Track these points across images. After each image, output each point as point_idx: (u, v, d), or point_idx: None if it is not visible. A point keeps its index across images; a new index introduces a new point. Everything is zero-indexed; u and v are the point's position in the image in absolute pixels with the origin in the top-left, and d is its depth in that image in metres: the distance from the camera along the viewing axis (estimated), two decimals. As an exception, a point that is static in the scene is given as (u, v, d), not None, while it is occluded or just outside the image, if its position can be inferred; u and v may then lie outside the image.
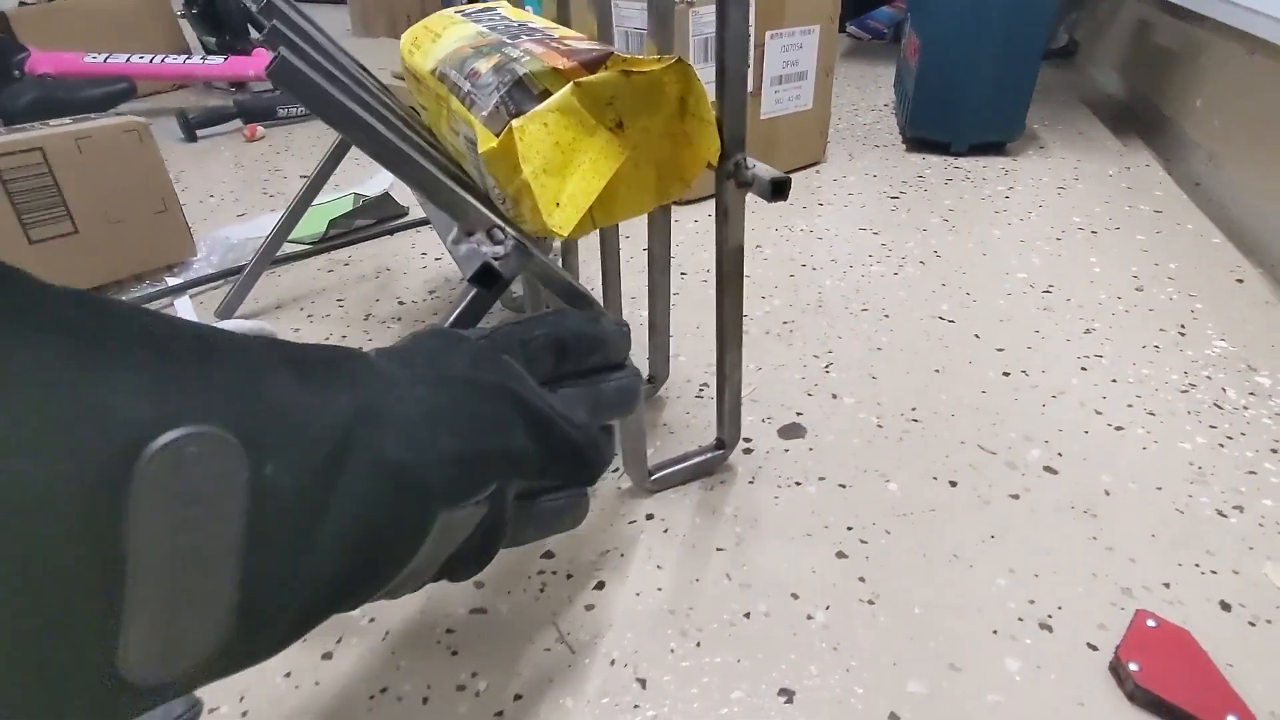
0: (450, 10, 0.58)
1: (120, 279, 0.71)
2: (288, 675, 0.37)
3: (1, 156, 0.62)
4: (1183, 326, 0.65)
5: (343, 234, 0.84)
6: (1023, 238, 0.82)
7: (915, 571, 0.41)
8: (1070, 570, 0.41)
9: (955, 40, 1.00)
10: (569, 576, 0.41)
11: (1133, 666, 0.35)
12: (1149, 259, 0.77)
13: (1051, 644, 0.37)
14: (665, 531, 0.44)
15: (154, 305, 0.70)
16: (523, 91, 0.39)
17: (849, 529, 0.44)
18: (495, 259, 0.34)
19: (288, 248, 0.81)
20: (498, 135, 0.38)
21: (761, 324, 0.66)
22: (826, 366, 0.60)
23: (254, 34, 1.44)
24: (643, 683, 0.36)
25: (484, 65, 0.42)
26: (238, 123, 1.23)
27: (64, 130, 0.65)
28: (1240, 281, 0.72)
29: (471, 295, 0.34)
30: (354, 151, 0.88)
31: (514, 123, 0.37)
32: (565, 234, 0.38)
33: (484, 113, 0.40)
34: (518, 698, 0.35)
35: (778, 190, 0.38)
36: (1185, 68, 1.05)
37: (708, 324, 0.66)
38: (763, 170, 0.39)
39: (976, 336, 0.64)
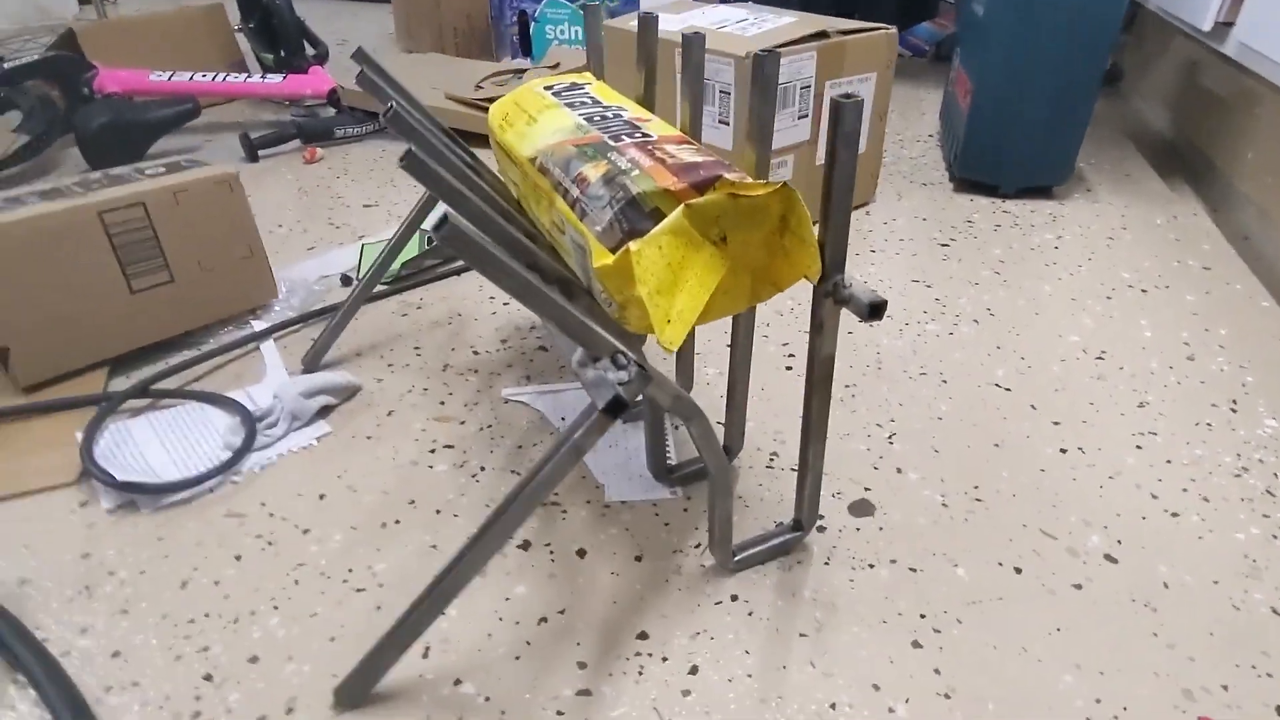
0: (538, 86, 0.60)
1: (209, 323, 0.75)
2: (413, 751, 0.40)
3: (109, 213, 0.65)
4: (1234, 402, 0.67)
5: (413, 274, 0.87)
6: (1074, 295, 0.84)
7: (987, 665, 0.44)
8: (1133, 668, 0.44)
9: (1008, 85, 1.02)
10: (664, 659, 0.45)
11: (1198, 776, 0.37)
12: (1199, 323, 0.78)
13: (1119, 746, 0.40)
14: (750, 615, 0.47)
15: (241, 351, 0.73)
16: (635, 210, 0.42)
17: (922, 616, 0.47)
18: (620, 384, 0.37)
19: (361, 288, 0.84)
20: (613, 251, 0.41)
21: (824, 387, 0.69)
22: (890, 437, 0.63)
23: (309, 50, 1.47)
24: (688, 682, 0.39)
25: (592, 173, 0.45)
26: (297, 142, 1.26)
27: (163, 184, 0.68)
28: (1291, 353, 0.74)
29: (597, 417, 0.37)
30: (412, 180, 0.89)
31: (631, 246, 0.40)
32: (674, 349, 0.40)
33: (598, 227, 0.43)
34: (627, 783, 0.38)
35: (874, 312, 0.41)
36: (1237, 117, 1.06)
37: (771, 387, 0.69)
38: (860, 290, 0.41)
39: (1033, 407, 0.66)
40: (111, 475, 0.55)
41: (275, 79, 1.34)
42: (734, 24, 0.92)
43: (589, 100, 0.56)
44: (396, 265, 0.86)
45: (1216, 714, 0.42)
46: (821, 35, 0.88)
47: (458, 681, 0.43)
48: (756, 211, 0.42)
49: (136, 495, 0.55)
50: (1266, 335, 0.76)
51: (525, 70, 1.43)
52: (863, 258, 0.92)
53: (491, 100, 1.27)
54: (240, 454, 0.58)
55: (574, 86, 0.60)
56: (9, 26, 1.47)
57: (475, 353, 0.74)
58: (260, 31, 1.52)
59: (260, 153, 1.23)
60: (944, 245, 0.95)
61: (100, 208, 0.65)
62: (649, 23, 0.57)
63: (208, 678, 0.44)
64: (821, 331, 0.44)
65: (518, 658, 0.45)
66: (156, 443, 0.60)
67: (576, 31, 1.51)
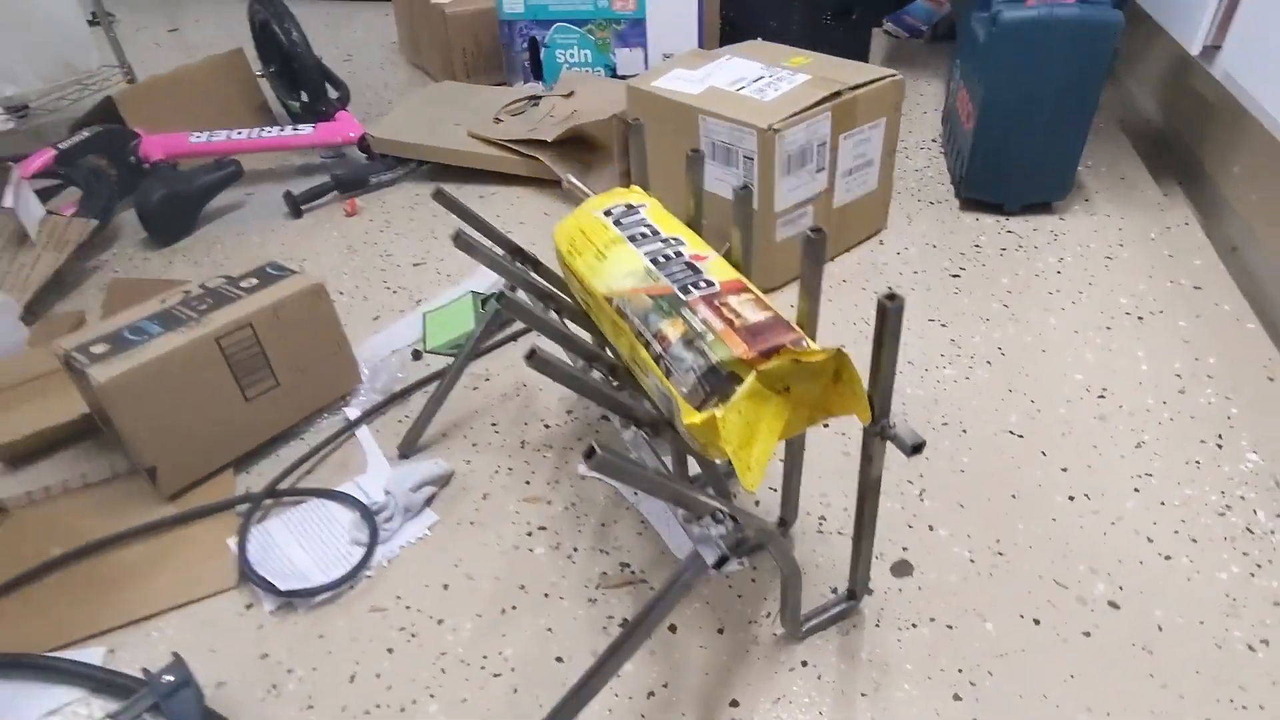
0: (597, 210, 0.68)
1: (308, 415, 0.84)
2: (568, 816, 0.51)
3: (225, 336, 0.74)
4: (1220, 437, 0.76)
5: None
6: (1076, 327, 0.93)
7: (1014, 712, 0.55)
8: (1134, 709, 0.55)
9: (1009, 114, 1.08)
10: (753, 718, 0.55)
11: (1185, 804, 0.48)
12: (1190, 352, 0.87)
13: (1123, 779, 0.51)
14: (819, 678, 0.58)
15: (341, 440, 0.83)
16: (716, 375, 0.51)
17: (960, 671, 0.58)
18: (721, 538, 0.47)
19: (434, 360, 0.93)
20: (699, 409, 0.50)
21: (858, 443, 0.78)
22: (920, 493, 0.72)
23: (331, 92, 1.52)
24: (827, 819, 0.50)
25: (671, 332, 0.54)
26: (335, 192, 1.33)
27: (263, 303, 0.77)
28: (1271, 380, 0.83)
29: (702, 564, 0.47)
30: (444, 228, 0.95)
31: (717, 413, 0.49)
32: (754, 490, 0.50)
33: (684, 388, 0.52)
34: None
35: (916, 450, 0.50)
36: (1224, 127, 1.12)
37: (811, 447, 0.78)
38: (903, 430, 0.51)
39: (1043, 454, 0.76)
40: (273, 584, 0.65)
41: (306, 129, 1.40)
42: (751, 85, 0.98)
43: (648, 230, 0.64)
44: (459, 335, 0.95)
45: (1200, 745, 0.52)
46: (834, 95, 0.95)
47: (593, 755, 0.54)
48: (815, 370, 0.51)
49: (298, 600, 0.65)
50: (1250, 362, 0.85)
51: (540, 97, 1.49)
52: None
53: (515, 141, 1.33)
54: (370, 551, 0.69)
55: (630, 210, 0.68)
56: (43, 85, 1.52)
57: (546, 426, 0.83)
58: (281, 76, 1.57)
59: (303, 208, 1.30)
60: (955, 276, 1.04)
61: (217, 334, 0.74)
62: (695, 161, 0.65)
63: (393, 764, 0.54)
64: (870, 462, 0.53)
65: (637, 730, 0.55)
66: (295, 544, 0.70)
67: (586, 55, 1.56)
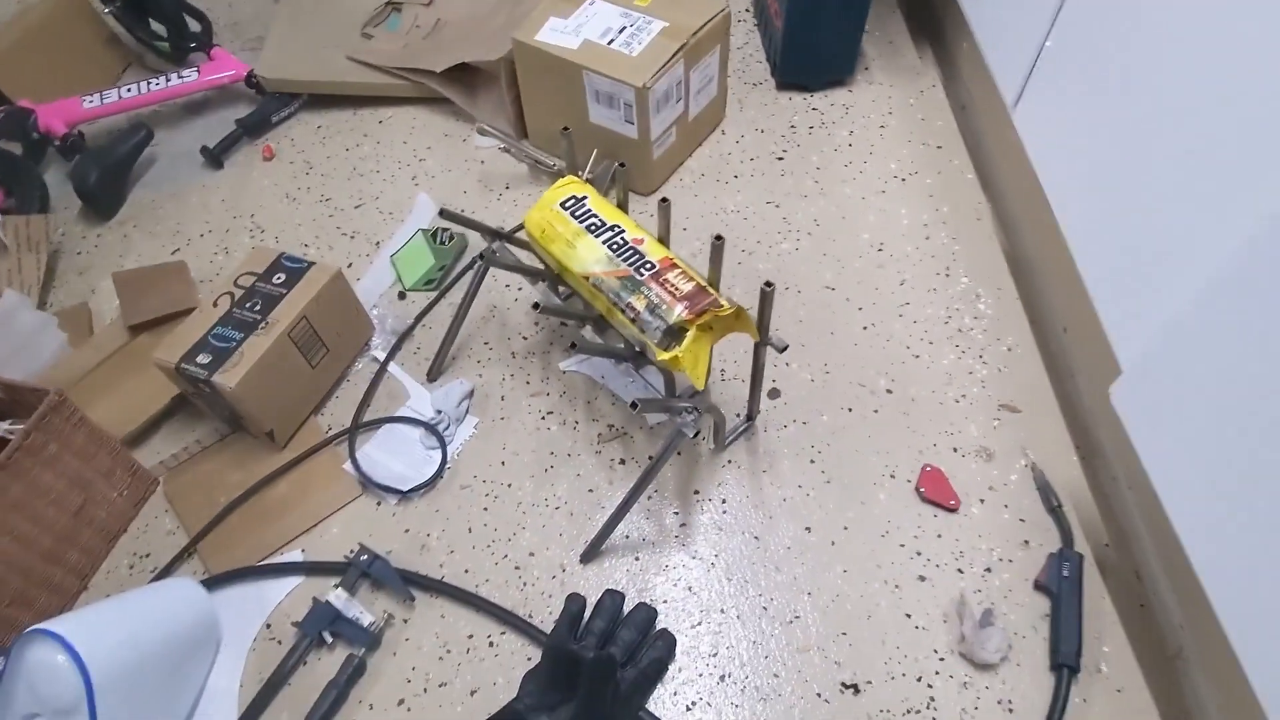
0: (555, 205, 0.99)
1: (350, 365, 1.14)
2: (624, 569, 0.95)
3: (292, 330, 1.01)
4: (947, 269, 1.23)
5: (445, 276, 1.25)
6: (864, 195, 1.34)
7: (840, 460, 1.02)
8: (899, 444, 1.03)
9: (809, 13, 1.39)
10: (709, 500, 1.00)
11: (922, 490, 0.98)
12: (933, 205, 1.32)
13: (895, 484, 1.00)
14: (739, 468, 1.03)
15: (378, 376, 1.14)
16: (672, 330, 0.88)
17: (812, 446, 1.04)
18: (693, 421, 0.86)
19: (415, 297, 1.22)
20: (665, 350, 0.88)
21: (736, 312, 1.18)
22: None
23: (192, 24, 1.56)
24: (723, 507, 0.96)
25: (638, 304, 0.90)
26: (244, 138, 1.47)
27: (308, 296, 1.03)
28: (979, 220, 1.29)
29: (683, 438, 0.87)
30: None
31: (678, 354, 0.87)
32: (702, 388, 0.90)
33: (654, 340, 0.89)
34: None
35: (782, 350, 0.91)
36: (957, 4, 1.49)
37: (708, 321, 1.18)
38: (776, 340, 0.91)
39: (848, 300, 1.20)
40: (395, 488, 1.00)
41: (191, 74, 1.49)
42: (618, 38, 1.24)
43: (598, 220, 0.96)
44: (427, 270, 1.24)
45: (930, 458, 1.02)
46: (684, 44, 1.23)
47: (628, 536, 0.97)
48: (727, 317, 0.89)
49: (412, 493, 1.01)
50: (967, 206, 1.31)
51: (400, 4, 1.62)
52: (730, 185, 1.37)
53: (403, 69, 1.49)
54: (444, 453, 1.04)
55: (578, 201, 0.99)
56: None
57: (524, 338, 1.18)
58: (129, 10, 1.58)
59: (222, 159, 1.45)
60: (780, 159, 1.40)
61: (287, 330, 1.01)
62: (620, 174, 0.96)
63: (516, 568, 0.95)
64: (758, 357, 0.94)
65: (648, 516, 0.99)
66: (388, 456, 1.05)
67: (432, -47, 1.66)
